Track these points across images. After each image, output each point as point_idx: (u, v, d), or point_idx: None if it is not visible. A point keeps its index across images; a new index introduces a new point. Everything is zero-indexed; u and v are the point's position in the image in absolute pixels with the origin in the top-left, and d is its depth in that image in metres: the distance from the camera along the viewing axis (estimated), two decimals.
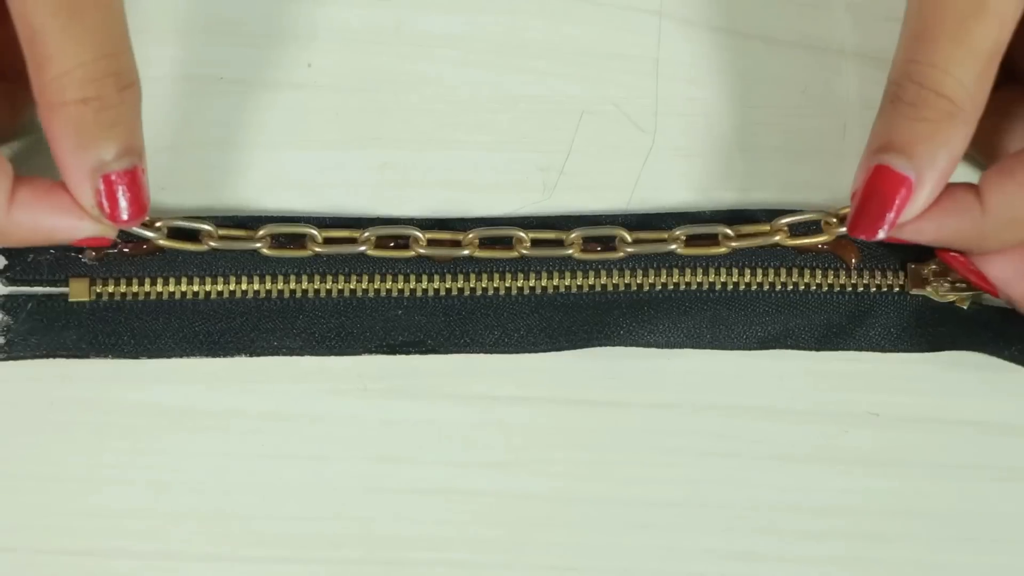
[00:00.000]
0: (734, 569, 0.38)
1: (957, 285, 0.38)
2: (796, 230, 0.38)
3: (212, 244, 0.38)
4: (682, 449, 0.39)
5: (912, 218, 0.36)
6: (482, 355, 0.39)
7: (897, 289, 0.39)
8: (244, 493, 0.38)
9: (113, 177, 0.34)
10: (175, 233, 0.38)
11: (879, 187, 0.35)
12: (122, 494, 0.38)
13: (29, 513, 0.38)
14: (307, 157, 0.40)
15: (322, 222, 0.39)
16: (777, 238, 0.38)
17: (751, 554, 0.38)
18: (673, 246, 0.38)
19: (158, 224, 0.38)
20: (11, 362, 0.38)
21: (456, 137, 0.40)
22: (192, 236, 0.38)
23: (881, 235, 0.35)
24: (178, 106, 0.40)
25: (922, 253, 0.39)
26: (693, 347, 0.39)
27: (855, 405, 0.39)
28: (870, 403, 0.39)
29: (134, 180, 0.35)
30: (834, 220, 0.38)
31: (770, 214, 0.39)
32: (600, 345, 0.39)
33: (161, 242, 0.38)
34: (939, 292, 0.39)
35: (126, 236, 0.38)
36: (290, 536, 0.38)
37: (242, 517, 0.38)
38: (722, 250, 0.38)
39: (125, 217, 0.35)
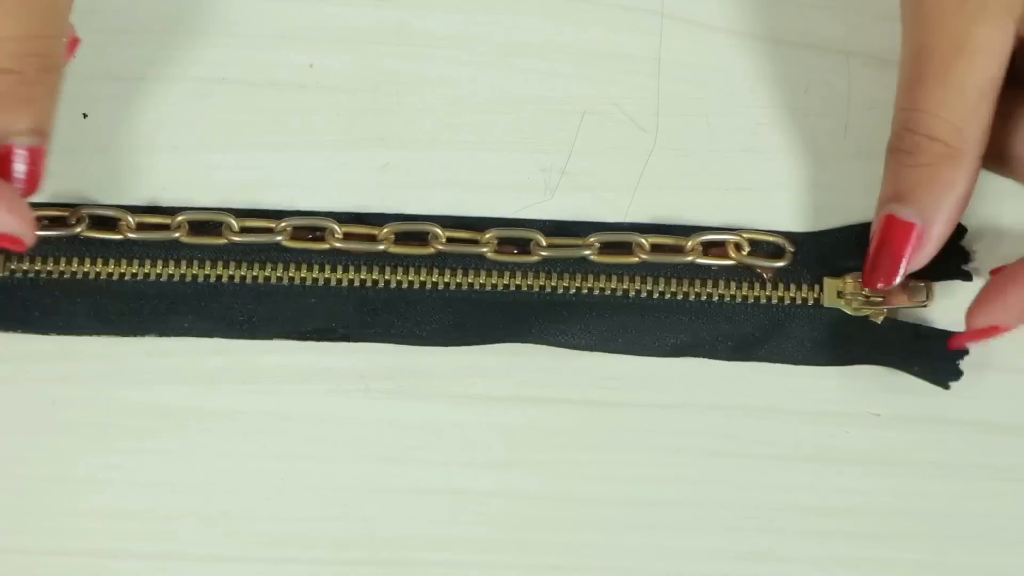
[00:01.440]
0: (737, 569, 0.38)
1: (872, 299, 0.38)
2: (710, 246, 0.39)
3: (130, 235, 0.39)
4: (684, 449, 0.39)
5: (921, 265, 0.36)
6: (486, 356, 0.39)
7: (812, 302, 0.39)
8: (246, 494, 0.38)
9: (15, 150, 0.35)
10: (96, 221, 0.39)
11: (889, 237, 0.36)
12: (124, 495, 0.38)
13: (31, 514, 0.38)
14: (309, 157, 0.40)
15: (237, 212, 0.39)
16: (690, 257, 0.39)
17: (753, 554, 0.38)
18: (587, 252, 0.39)
19: (82, 212, 0.39)
20: (14, 363, 0.38)
21: (458, 137, 0.40)
22: (110, 225, 0.39)
23: (896, 282, 0.36)
24: (181, 107, 0.40)
25: (838, 267, 0.39)
26: (605, 351, 0.39)
27: (857, 405, 0.39)
28: (871, 403, 0.39)
29: (35, 160, 0.35)
30: (746, 244, 0.39)
31: (687, 230, 0.39)
32: (513, 342, 0.39)
33: (84, 235, 0.38)
34: (853, 306, 0.39)
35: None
36: (292, 536, 0.38)
37: (244, 518, 0.38)
38: (634, 260, 0.39)
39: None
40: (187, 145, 0.40)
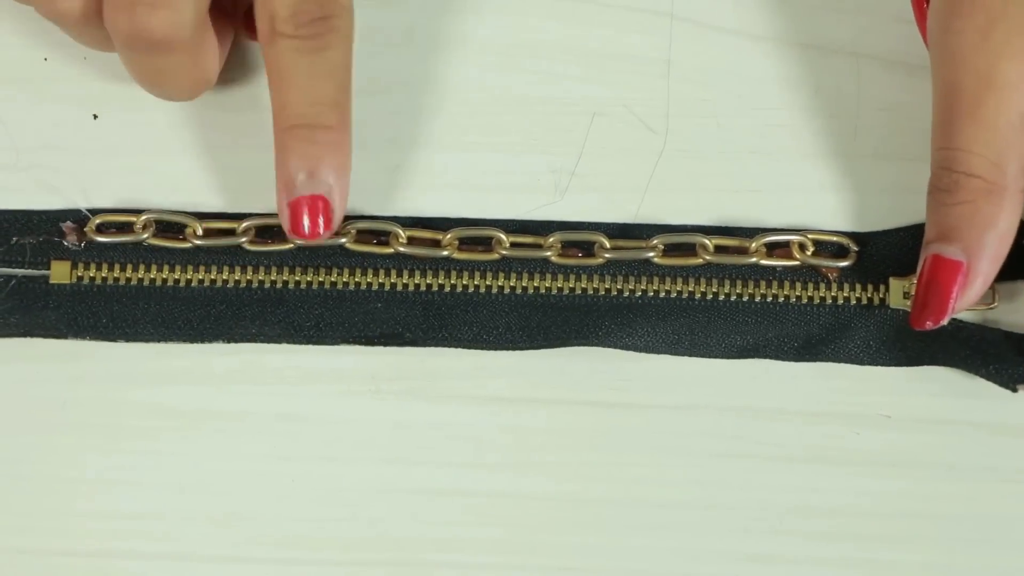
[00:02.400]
0: (745, 570, 0.38)
1: None
2: (773, 247, 0.39)
3: (196, 242, 0.39)
4: (693, 451, 0.39)
5: (969, 304, 0.36)
6: (493, 357, 0.39)
7: (877, 302, 0.39)
8: (256, 495, 0.38)
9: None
10: (161, 226, 0.39)
11: (935, 276, 0.36)
12: (133, 495, 0.38)
13: (41, 514, 0.38)
14: None
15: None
16: (754, 259, 0.39)
17: (762, 556, 0.38)
18: (650, 254, 0.39)
19: (144, 217, 0.38)
20: (25, 364, 0.39)
21: (468, 139, 0.40)
22: (176, 230, 0.39)
23: (944, 321, 0.36)
24: (190, 109, 0.40)
25: (903, 267, 0.39)
26: (671, 353, 0.39)
27: (867, 407, 0.39)
28: (882, 405, 0.39)
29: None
30: (810, 245, 0.39)
31: (749, 231, 0.39)
32: (578, 345, 0.39)
33: (149, 242, 0.38)
34: None
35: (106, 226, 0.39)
36: (301, 537, 0.38)
37: (253, 518, 0.38)
38: (698, 261, 0.39)
39: None
40: (197, 148, 0.40)
